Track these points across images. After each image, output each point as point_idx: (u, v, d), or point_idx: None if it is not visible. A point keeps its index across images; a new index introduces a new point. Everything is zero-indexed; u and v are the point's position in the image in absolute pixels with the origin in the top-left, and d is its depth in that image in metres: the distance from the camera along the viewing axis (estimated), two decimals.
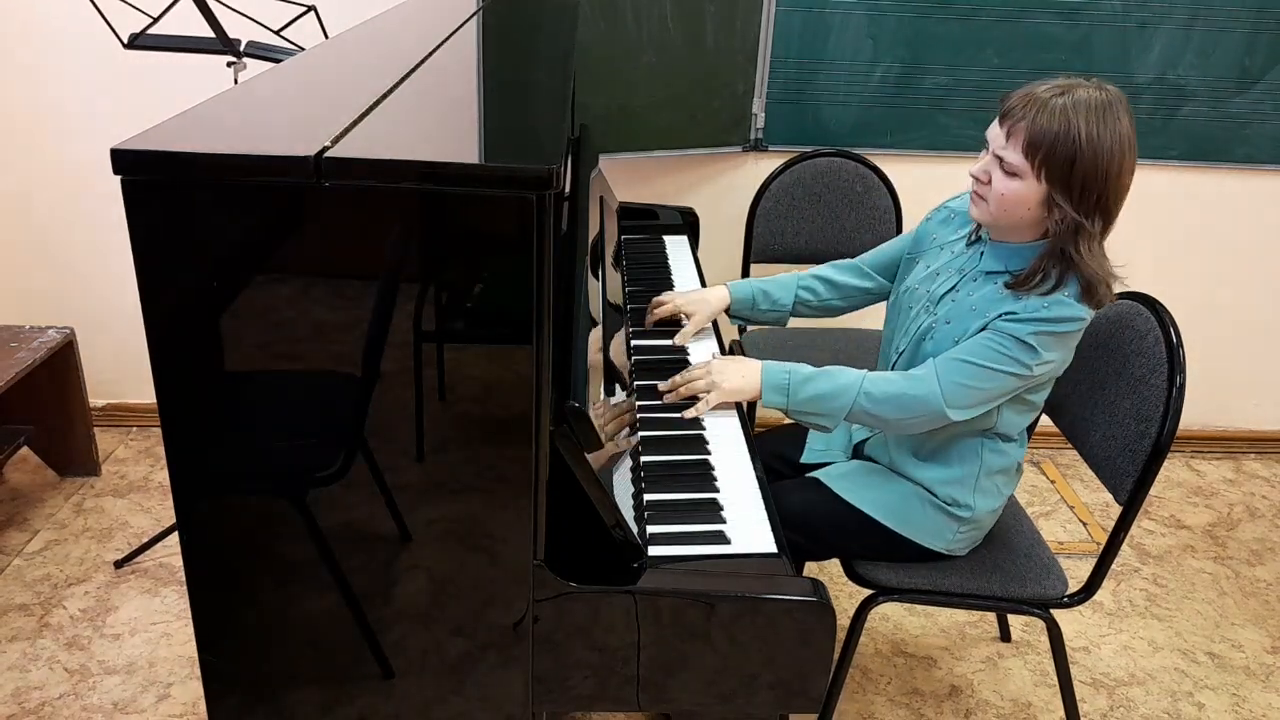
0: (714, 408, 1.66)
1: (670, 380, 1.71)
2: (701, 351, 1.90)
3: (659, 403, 1.70)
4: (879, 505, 1.70)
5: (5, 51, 2.59)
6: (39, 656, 2.13)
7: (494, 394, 1.10)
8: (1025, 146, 1.46)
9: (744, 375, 1.65)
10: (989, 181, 1.52)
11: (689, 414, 1.65)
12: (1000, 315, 1.53)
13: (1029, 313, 1.51)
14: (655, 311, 1.96)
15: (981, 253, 1.62)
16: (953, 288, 1.65)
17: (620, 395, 1.60)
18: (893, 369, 1.70)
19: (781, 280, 1.95)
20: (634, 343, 1.91)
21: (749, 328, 2.69)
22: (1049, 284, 1.51)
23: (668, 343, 1.91)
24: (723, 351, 1.93)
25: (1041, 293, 1.51)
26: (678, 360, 1.83)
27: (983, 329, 1.55)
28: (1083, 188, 1.45)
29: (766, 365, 1.65)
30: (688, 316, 1.93)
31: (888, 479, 1.72)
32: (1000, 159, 1.50)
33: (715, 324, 2.02)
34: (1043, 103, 1.45)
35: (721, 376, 1.66)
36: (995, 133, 1.52)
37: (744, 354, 2.33)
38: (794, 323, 2.63)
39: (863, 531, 1.70)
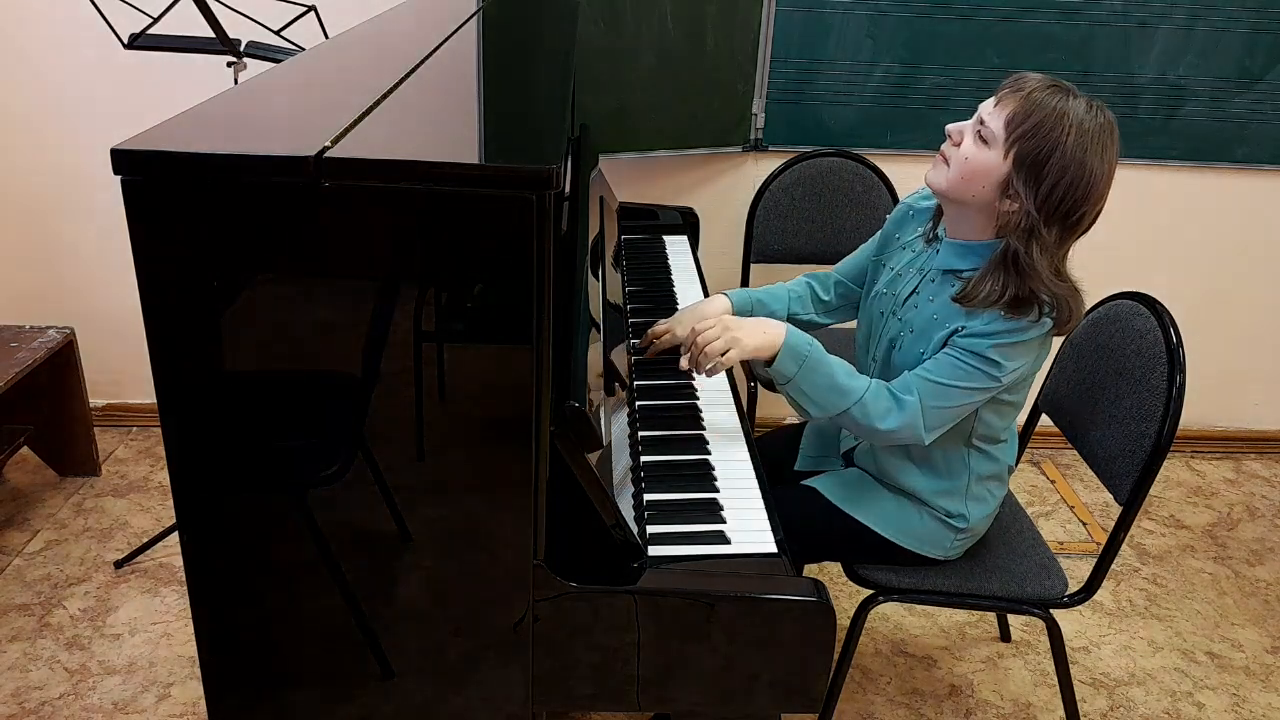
0: (718, 388, 1.66)
1: (684, 345, 1.61)
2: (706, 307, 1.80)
3: (659, 402, 1.69)
4: (877, 516, 1.69)
5: (5, 51, 2.59)
6: (39, 656, 2.13)
7: (494, 394, 1.10)
8: (1009, 117, 1.42)
9: (765, 333, 1.53)
10: (959, 143, 1.49)
11: (710, 373, 1.57)
12: (958, 330, 1.50)
13: (986, 326, 1.47)
14: (656, 343, 1.77)
15: (938, 250, 1.59)
16: (914, 290, 1.61)
17: (619, 395, 1.60)
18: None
19: (774, 291, 1.88)
20: (634, 342, 1.90)
21: None
22: (997, 299, 1.45)
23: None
24: None
25: (992, 306, 1.46)
26: (676, 358, 1.82)
27: (945, 341, 1.51)
28: (1052, 186, 1.41)
29: (792, 328, 1.55)
30: None
31: (884, 489, 1.71)
32: (982, 122, 1.46)
33: None
34: (1048, 89, 1.42)
35: (741, 332, 1.53)
36: (988, 101, 1.48)
37: None
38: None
39: (861, 542, 1.70)
